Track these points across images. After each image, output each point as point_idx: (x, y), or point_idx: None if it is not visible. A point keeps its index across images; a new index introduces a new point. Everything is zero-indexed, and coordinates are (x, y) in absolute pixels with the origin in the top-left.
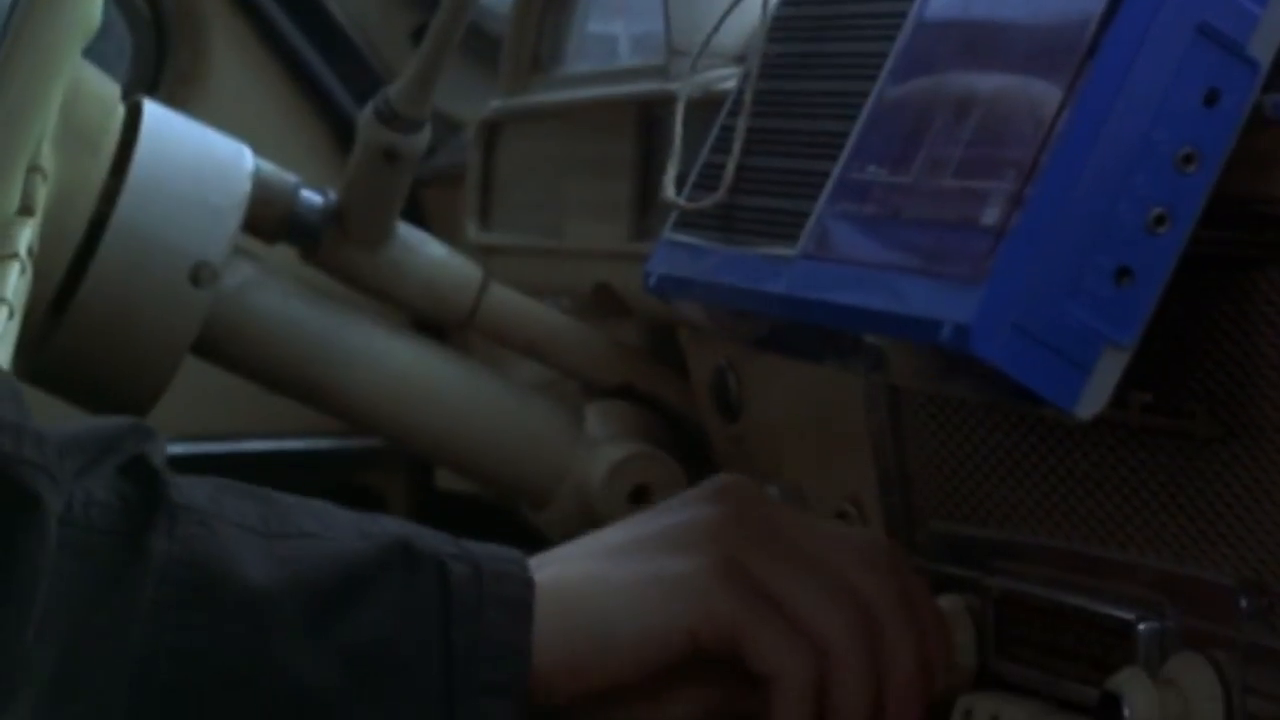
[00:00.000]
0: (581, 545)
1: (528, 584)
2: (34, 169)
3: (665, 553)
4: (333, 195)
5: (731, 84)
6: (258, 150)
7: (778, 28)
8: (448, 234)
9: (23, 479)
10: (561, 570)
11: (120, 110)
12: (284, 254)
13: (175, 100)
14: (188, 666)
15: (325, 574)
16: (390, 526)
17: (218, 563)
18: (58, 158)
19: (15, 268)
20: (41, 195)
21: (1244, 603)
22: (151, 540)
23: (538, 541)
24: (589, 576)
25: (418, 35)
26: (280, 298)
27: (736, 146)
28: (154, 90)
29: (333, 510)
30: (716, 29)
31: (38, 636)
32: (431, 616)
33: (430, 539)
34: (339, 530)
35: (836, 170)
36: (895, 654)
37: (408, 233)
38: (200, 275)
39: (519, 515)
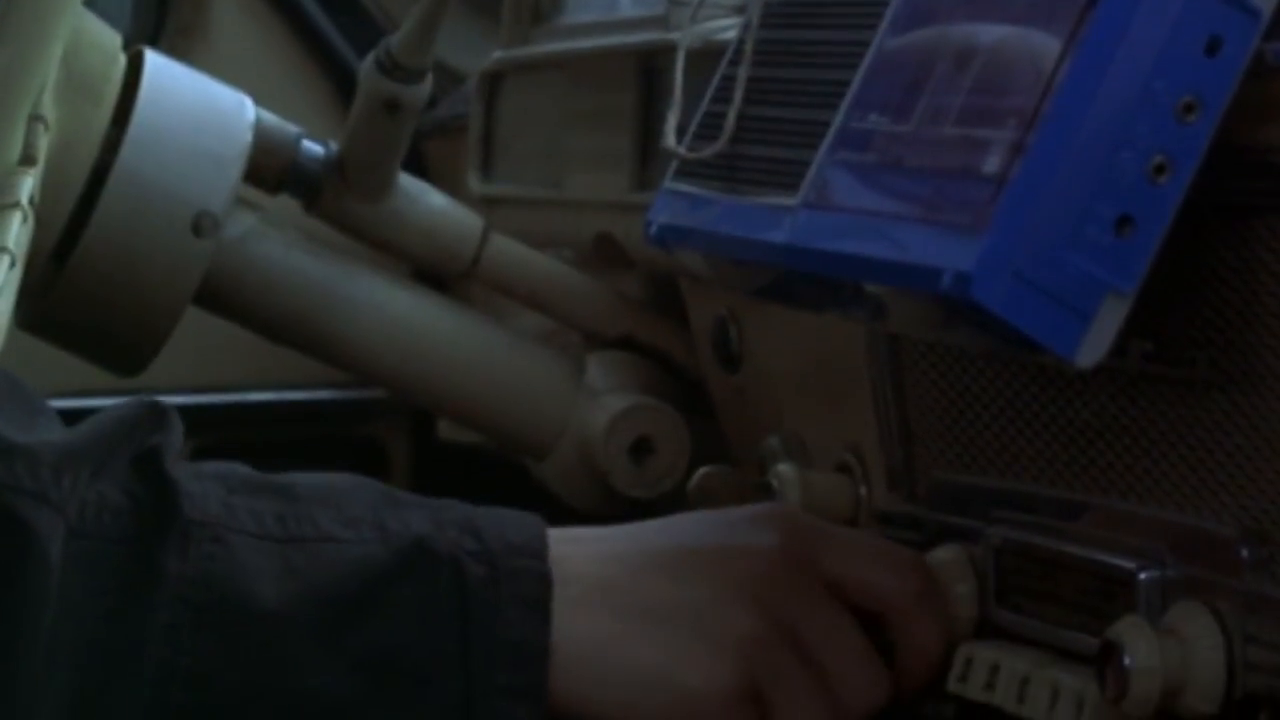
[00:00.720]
0: (618, 580)
1: (544, 580)
2: (36, 118)
3: (690, 644)
4: (334, 146)
5: (732, 33)
6: (259, 101)
7: None
8: (449, 185)
9: (13, 508)
10: (579, 624)
11: (122, 60)
12: (286, 205)
13: (177, 51)
14: (202, 688)
15: (341, 583)
16: (411, 521)
17: (231, 581)
18: (59, 107)
19: (17, 217)
20: (43, 145)
21: (1245, 552)
22: (164, 560)
23: (540, 492)
24: (605, 642)
25: None
26: (282, 248)
27: (737, 96)
28: (155, 42)
29: (353, 496)
30: None
31: (49, 661)
32: (449, 621)
33: (449, 534)
34: (360, 528)
35: (837, 119)
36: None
37: (409, 184)
38: (202, 225)
39: (521, 466)
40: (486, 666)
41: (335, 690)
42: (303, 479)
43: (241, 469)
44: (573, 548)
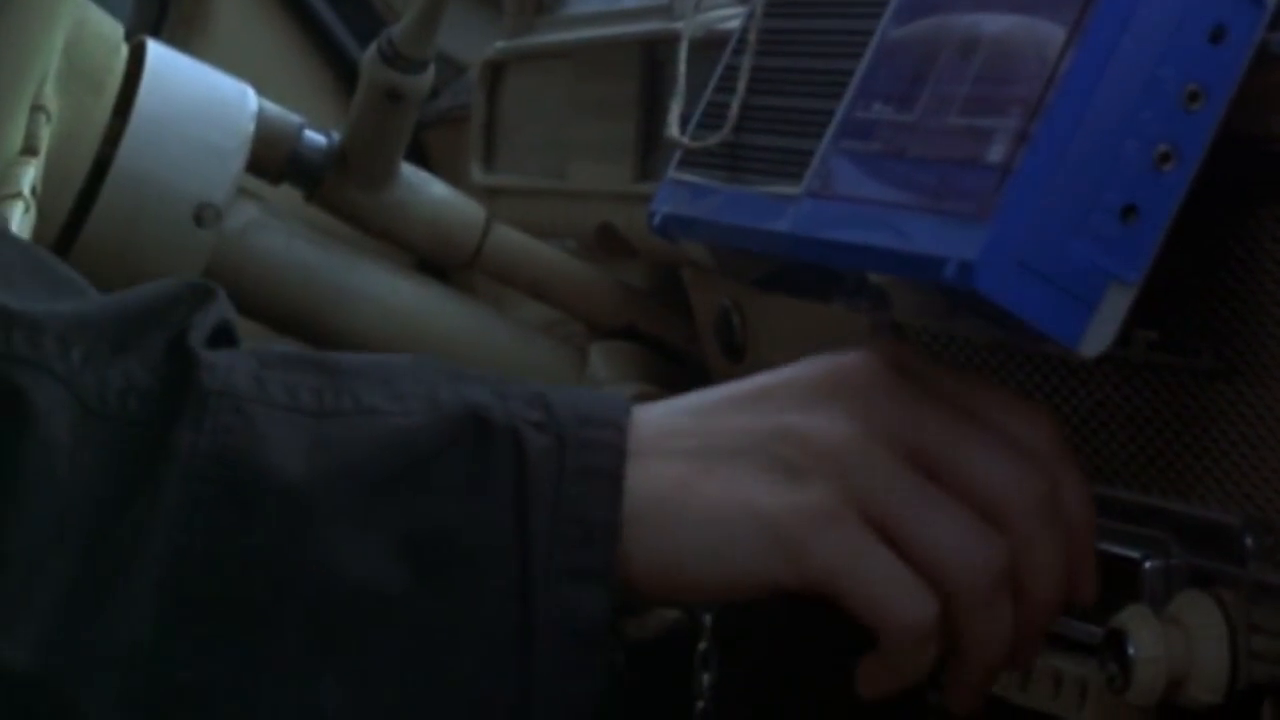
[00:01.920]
0: (689, 426)
1: (617, 451)
2: (38, 109)
3: (768, 472)
4: (336, 136)
5: (735, 23)
6: (261, 91)
7: None
8: (452, 175)
9: (7, 376)
10: (651, 468)
11: (124, 50)
12: (288, 195)
13: (178, 41)
14: (221, 571)
15: (379, 457)
16: (470, 391)
17: (251, 454)
18: (61, 98)
19: (19, 207)
20: (45, 135)
21: (1249, 541)
22: (177, 434)
23: None
24: (678, 483)
25: None
26: (284, 238)
27: (741, 85)
28: (157, 32)
29: (407, 372)
30: None
31: (53, 544)
32: (504, 497)
33: (513, 404)
34: (407, 401)
35: (841, 109)
36: (1033, 583)
37: (411, 173)
38: (204, 216)
39: None
40: (546, 546)
41: (372, 574)
42: (356, 356)
43: (286, 348)
44: (648, 410)
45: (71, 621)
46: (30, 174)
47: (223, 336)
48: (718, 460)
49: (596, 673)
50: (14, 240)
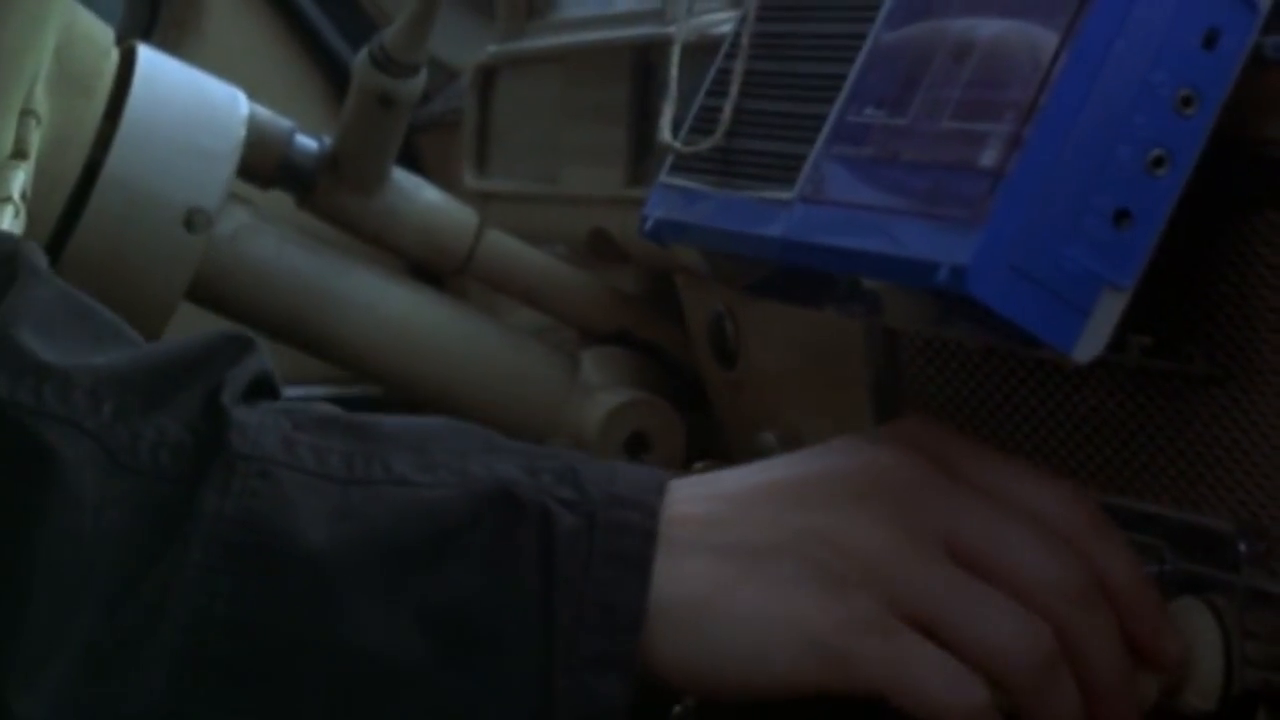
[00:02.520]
0: (724, 515)
1: (648, 536)
2: (27, 113)
3: (806, 578)
4: (328, 141)
5: (728, 27)
6: (252, 96)
7: None
8: (444, 180)
9: (37, 433)
10: (684, 567)
11: (114, 54)
12: (279, 200)
13: (170, 45)
14: (241, 638)
15: (405, 528)
16: (501, 465)
17: (275, 520)
18: (51, 102)
19: (9, 211)
20: (35, 139)
21: (1243, 547)
22: (203, 496)
23: None
24: (713, 584)
25: None
26: (275, 244)
27: (733, 89)
28: (148, 36)
29: (444, 441)
30: None
31: (76, 602)
32: (530, 577)
33: (544, 480)
34: (438, 472)
35: (833, 113)
36: (1087, 666)
37: (403, 178)
38: (194, 221)
39: None
40: (571, 631)
41: (394, 649)
42: (391, 419)
43: (322, 406)
44: (682, 490)
45: (91, 680)
46: (20, 178)
47: (262, 387)
48: (754, 561)
49: None
50: (54, 284)
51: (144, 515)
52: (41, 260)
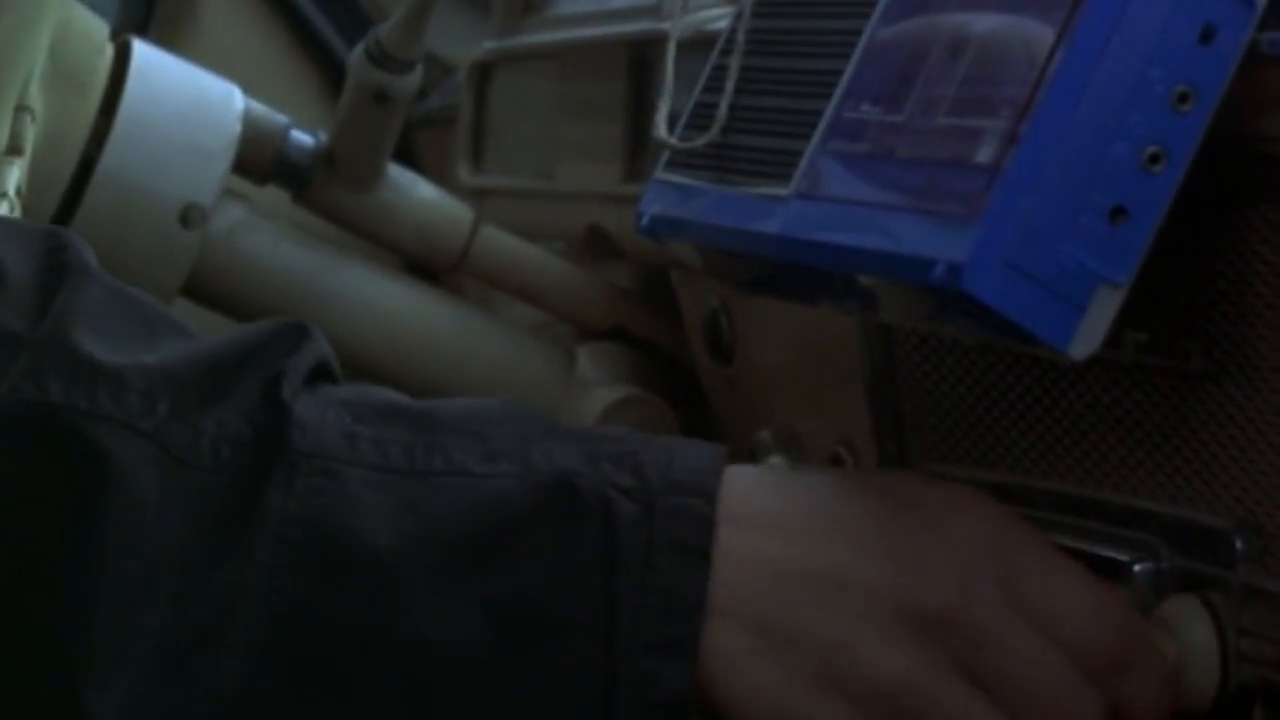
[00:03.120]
0: (760, 589)
1: (706, 523)
2: (22, 109)
3: (812, 681)
4: (323, 137)
5: (724, 23)
6: (248, 91)
7: None
8: (439, 177)
9: (93, 436)
10: (752, 584)
11: (109, 50)
12: (274, 196)
13: (165, 41)
14: (309, 634)
15: (468, 522)
16: (561, 453)
17: (340, 518)
18: (46, 97)
19: (4, 207)
20: (30, 135)
21: (1240, 544)
22: (267, 496)
23: None
24: (725, 660)
25: None
26: (271, 240)
27: (729, 85)
28: (143, 31)
29: (503, 425)
30: None
31: (143, 601)
32: (592, 566)
33: (604, 467)
34: (498, 462)
35: (830, 109)
36: None
37: (399, 175)
38: (190, 217)
39: None
40: (633, 618)
41: (459, 640)
42: (450, 404)
43: (379, 394)
44: (749, 483)
45: (161, 678)
46: (15, 174)
47: (321, 374)
48: (770, 643)
49: None
50: (104, 280)
51: (207, 512)
52: (90, 254)
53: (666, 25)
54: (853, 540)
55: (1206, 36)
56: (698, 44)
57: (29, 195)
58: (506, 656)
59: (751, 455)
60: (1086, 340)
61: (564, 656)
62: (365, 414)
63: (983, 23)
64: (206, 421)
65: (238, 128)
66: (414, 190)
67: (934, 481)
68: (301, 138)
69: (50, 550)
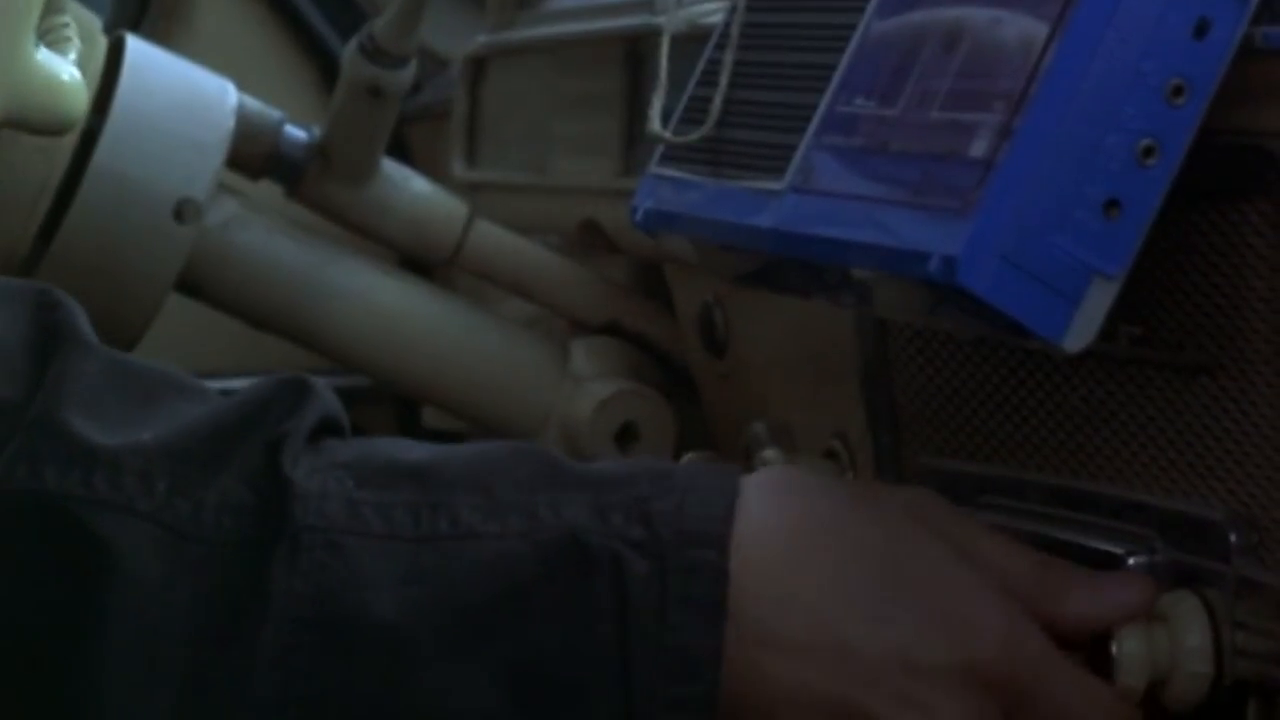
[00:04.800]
0: (783, 626)
1: (719, 576)
2: None
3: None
4: (317, 131)
5: (718, 17)
6: (241, 86)
7: None
8: (433, 171)
9: (90, 524)
10: (770, 652)
11: (103, 45)
12: (268, 191)
13: (159, 36)
14: (322, 711)
15: (476, 587)
16: (567, 507)
17: (347, 593)
18: None
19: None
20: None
21: (1234, 537)
22: (272, 573)
23: None
24: (800, 665)
25: None
26: (264, 234)
27: (723, 80)
28: (137, 26)
29: (508, 475)
30: None
31: (150, 688)
32: (605, 626)
33: (612, 521)
34: (506, 519)
35: (824, 103)
36: None
37: (393, 169)
38: (184, 212)
39: None
40: (649, 677)
41: (475, 709)
42: (454, 455)
43: (382, 451)
44: (763, 525)
45: None
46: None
47: (327, 429)
48: (830, 655)
49: None
50: (95, 352)
51: (212, 586)
52: (80, 314)
53: (661, 20)
54: (866, 608)
55: (1200, 30)
56: (692, 38)
57: (23, 191)
58: (525, 718)
59: (746, 449)
60: (1080, 333)
61: (582, 717)
62: (368, 477)
63: (977, 17)
64: (208, 492)
65: (231, 123)
66: (408, 185)
67: (943, 515)
68: (295, 133)
69: (52, 642)
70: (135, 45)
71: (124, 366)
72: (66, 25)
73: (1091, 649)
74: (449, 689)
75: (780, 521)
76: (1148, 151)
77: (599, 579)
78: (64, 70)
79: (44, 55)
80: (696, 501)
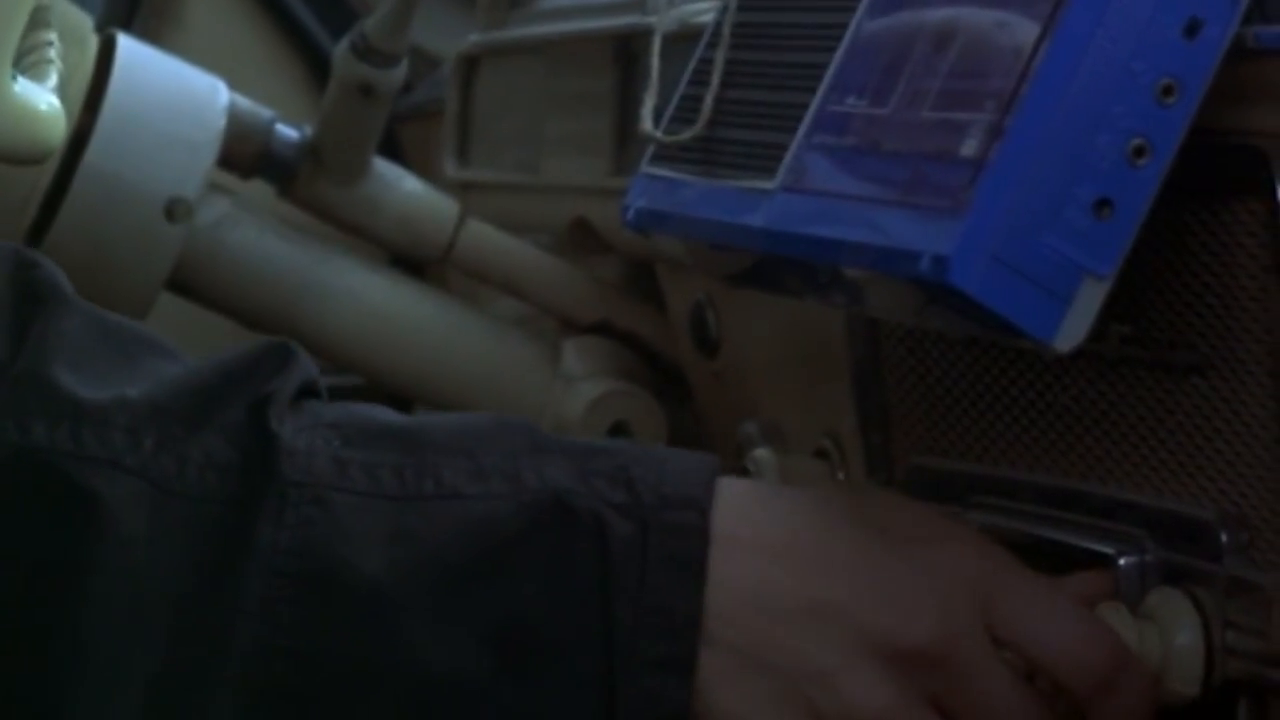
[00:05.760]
0: (748, 619)
1: (701, 536)
2: None
3: (790, 707)
4: (309, 130)
5: (709, 17)
6: (233, 85)
7: None
8: (425, 170)
9: (78, 478)
10: (744, 622)
11: (94, 44)
12: (260, 190)
13: (150, 35)
14: (305, 666)
15: (461, 546)
16: (550, 471)
17: (332, 548)
18: None
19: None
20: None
21: (1225, 537)
22: (259, 528)
23: None
24: (705, 678)
25: None
26: (256, 234)
27: (715, 79)
28: (128, 25)
29: (492, 442)
30: None
31: (135, 641)
32: (587, 586)
33: (594, 484)
34: (489, 481)
35: (815, 102)
36: None
37: (384, 168)
38: (175, 211)
39: None
40: (631, 636)
41: (457, 666)
42: (439, 421)
43: (366, 413)
44: (741, 497)
45: (156, 717)
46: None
47: (307, 393)
48: (752, 668)
49: None
50: (79, 307)
51: (197, 542)
52: (60, 274)
53: (652, 19)
54: (841, 572)
55: (1191, 30)
56: (684, 38)
57: (13, 190)
58: (505, 680)
59: (737, 448)
60: (1071, 333)
61: (563, 677)
62: (354, 437)
63: (968, 16)
64: (193, 449)
65: (222, 122)
66: (399, 184)
67: (919, 509)
68: (286, 131)
69: (39, 596)
70: (126, 44)
71: (105, 323)
72: (49, 44)
73: None
74: (431, 646)
75: (757, 497)
76: (1139, 151)
77: (581, 539)
78: (41, 100)
79: (21, 86)
80: (677, 470)
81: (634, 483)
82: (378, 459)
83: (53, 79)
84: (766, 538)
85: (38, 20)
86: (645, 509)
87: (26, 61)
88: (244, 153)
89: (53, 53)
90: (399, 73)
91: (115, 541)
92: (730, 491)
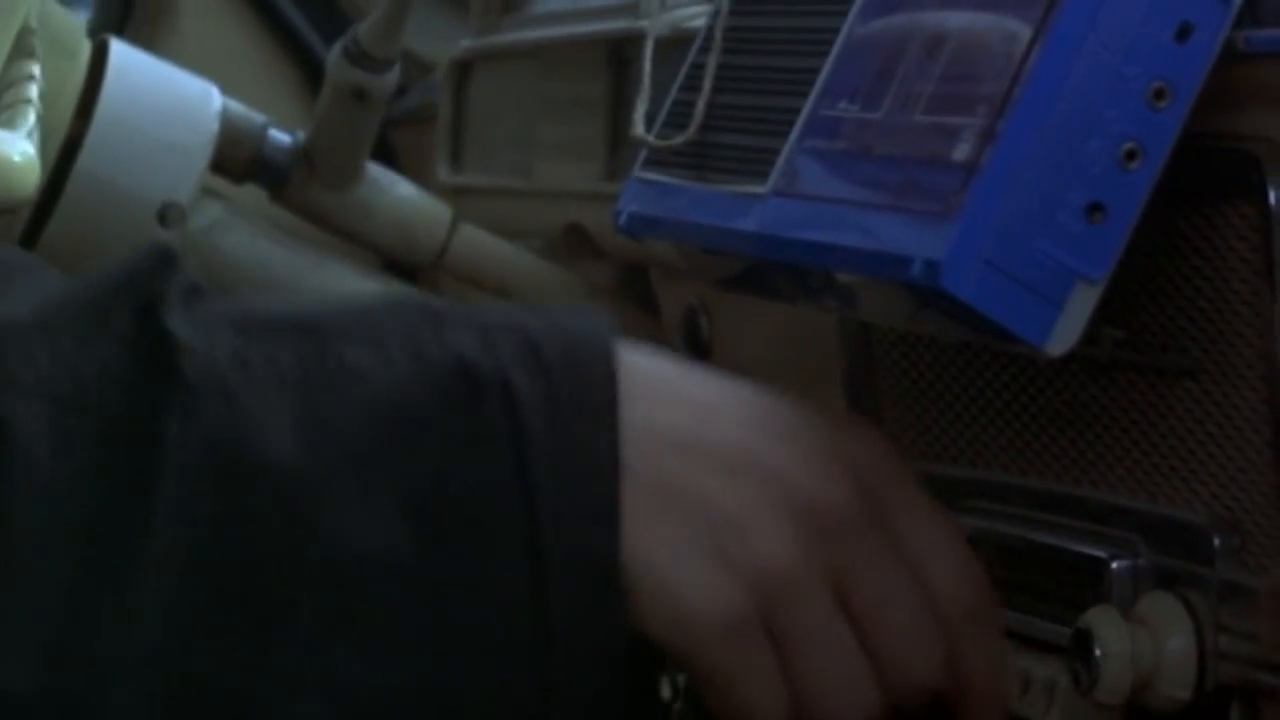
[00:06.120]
0: (659, 457)
1: (610, 383)
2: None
3: (698, 549)
4: (301, 135)
5: (701, 21)
6: (226, 90)
7: None
8: (418, 175)
9: None
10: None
11: (86, 49)
12: (253, 195)
13: (142, 40)
14: (226, 561)
15: (370, 423)
16: (455, 340)
17: (241, 440)
18: None
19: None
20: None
21: (1217, 541)
22: (165, 428)
23: None
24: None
25: None
26: (249, 238)
27: (707, 84)
28: (121, 30)
29: (390, 321)
30: None
31: (47, 560)
32: (501, 449)
33: (499, 349)
34: (390, 358)
35: (807, 107)
36: None
37: (377, 173)
38: (168, 216)
39: None
40: (550, 490)
41: (378, 543)
42: (336, 307)
43: (259, 306)
44: (644, 354)
45: (77, 633)
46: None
47: (195, 294)
48: (667, 508)
49: (618, 612)
50: None
51: (105, 453)
52: None
53: (644, 24)
54: (758, 426)
55: (1183, 34)
56: (676, 42)
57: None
58: (429, 552)
59: None
60: (1063, 337)
61: (488, 544)
62: (251, 328)
63: (960, 20)
64: (87, 363)
65: (215, 127)
66: (392, 189)
67: (824, 405)
68: (279, 136)
69: None
70: (119, 49)
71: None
72: (30, 79)
73: (1073, 648)
74: (352, 526)
75: (661, 356)
76: (1130, 155)
77: (490, 403)
78: (15, 150)
79: None
80: (578, 324)
81: (537, 343)
82: (278, 348)
83: (30, 120)
84: (680, 388)
85: (22, 47)
86: (550, 365)
87: (3, 102)
88: (237, 158)
89: (33, 89)
90: (392, 77)
91: (20, 463)
92: (634, 348)
